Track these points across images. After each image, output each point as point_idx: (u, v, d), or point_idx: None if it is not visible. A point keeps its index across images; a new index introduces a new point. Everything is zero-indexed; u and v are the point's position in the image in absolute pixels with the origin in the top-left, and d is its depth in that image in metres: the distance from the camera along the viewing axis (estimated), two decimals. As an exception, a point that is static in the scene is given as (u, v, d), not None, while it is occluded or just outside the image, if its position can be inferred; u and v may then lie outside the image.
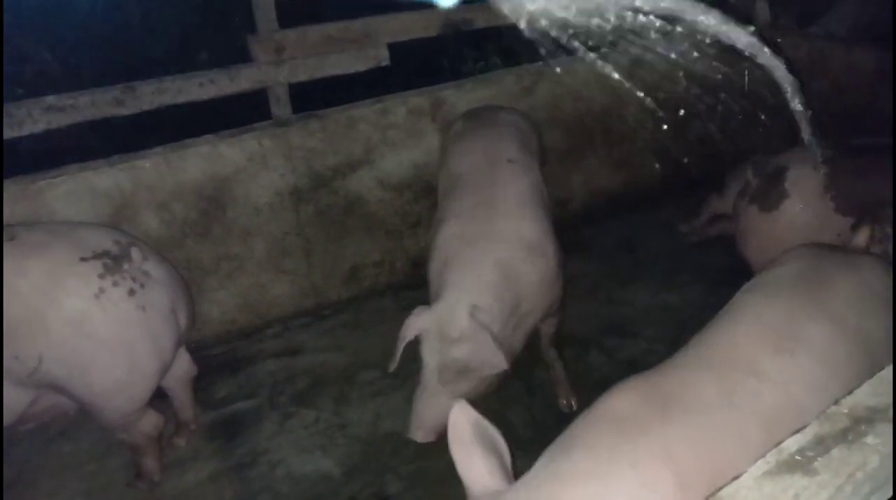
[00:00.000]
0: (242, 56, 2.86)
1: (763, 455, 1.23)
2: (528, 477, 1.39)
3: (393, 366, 2.18)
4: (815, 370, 1.50)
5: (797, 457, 0.97)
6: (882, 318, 1.65)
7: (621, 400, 1.45)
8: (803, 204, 2.53)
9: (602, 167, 3.80)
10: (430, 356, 2.13)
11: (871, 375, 1.22)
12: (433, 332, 2.13)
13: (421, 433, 2.12)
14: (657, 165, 3.95)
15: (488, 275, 2.20)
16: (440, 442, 2.46)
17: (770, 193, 2.60)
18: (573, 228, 3.75)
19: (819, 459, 0.95)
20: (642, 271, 3.37)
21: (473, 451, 1.42)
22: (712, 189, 3.56)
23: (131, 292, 2.06)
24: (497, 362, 2.07)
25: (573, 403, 2.60)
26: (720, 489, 0.93)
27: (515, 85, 3.36)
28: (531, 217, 2.41)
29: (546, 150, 3.17)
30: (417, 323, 2.16)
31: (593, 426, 1.42)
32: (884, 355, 1.58)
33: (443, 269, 2.30)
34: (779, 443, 1.00)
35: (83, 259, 2.03)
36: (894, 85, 3.00)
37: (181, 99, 2.66)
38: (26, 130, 2.52)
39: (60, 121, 2.56)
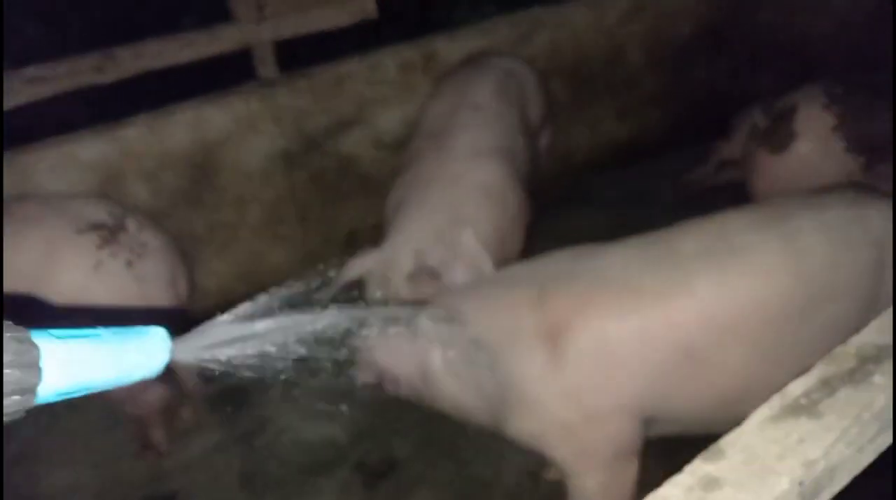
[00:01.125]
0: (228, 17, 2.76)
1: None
2: None
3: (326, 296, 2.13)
4: (726, 266, 1.59)
5: (802, 400, 0.92)
6: (846, 265, 1.62)
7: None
8: (813, 144, 2.46)
9: (606, 117, 3.68)
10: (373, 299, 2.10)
11: (815, 309, 1.49)
12: (376, 275, 2.10)
13: (362, 375, 2.12)
14: (663, 112, 3.84)
15: (437, 218, 2.16)
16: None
17: (779, 134, 2.53)
18: (577, 180, 3.66)
19: (824, 401, 0.90)
20: (650, 222, 3.20)
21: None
22: (720, 135, 3.45)
23: (129, 264, 2.04)
24: None
25: None
26: (722, 437, 0.89)
27: (511, 33, 3.23)
28: (487, 162, 2.34)
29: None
30: (361, 264, 2.13)
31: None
32: (847, 304, 1.60)
33: (393, 212, 2.27)
34: (783, 387, 0.94)
35: (79, 231, 2.01)
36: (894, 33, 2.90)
37: (161, 63, 2.58)
38: (8, 103, 2.45)
39: (42, 92, 2.50)
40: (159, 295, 2.13)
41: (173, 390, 2.42)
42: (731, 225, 1.68)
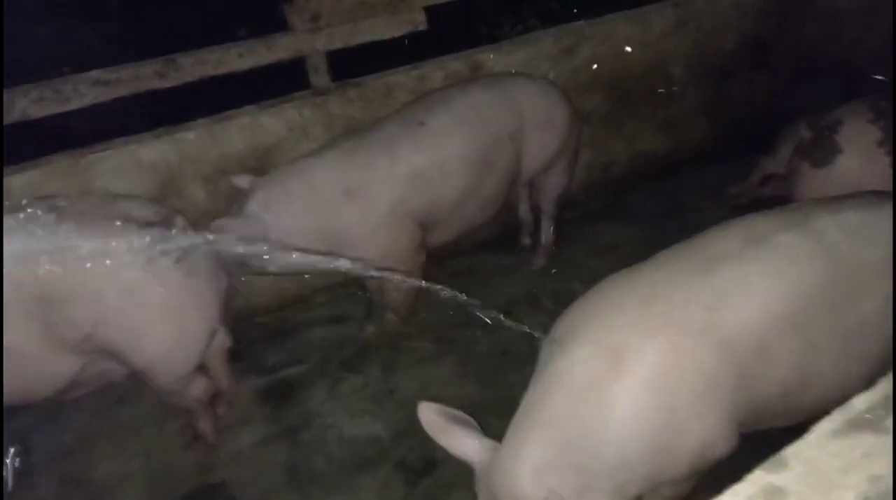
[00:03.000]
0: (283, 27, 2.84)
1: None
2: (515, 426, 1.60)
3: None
4: (771, 262, 1.66)
5: (866, 415, 0.94)
6: (866, 262, 1.70)
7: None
8: (857, 158, 2.46)
9: (645, 129, 3.71)
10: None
11: (846, 303, 1.60)
12: (241, 206, 2.37)
13: None
14: (704, 126, 3.84)
15: (299, 192, 2.38)
16: (489, 410, 2.49)
17: (822, 148, 2.53)
18: (615, 193, 3.69)
19: (890, 417, 0.92)
20: (687, 236, 3.28)
21: (453, 432, 1.64)
22: (763, 149, 3.45)
23: (177, 260, 2.10)
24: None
25: None
26: (784, 447, 0.91)
27: (554, 46, 3.28)
28: (377, 168, 2.45)
29: (580, 116, 3.05)
30: (224, 223, 2.33)
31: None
32: (872, 300, 1.69)
33: None
34: (846, 401, 0.96)
35: (131, 229, 2.06)
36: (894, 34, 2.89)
37: (221, 70, 2.66)
38: (73, 105, 2.55)
39: (106, 95, 2.58)
40: (206, 290, 2.20)
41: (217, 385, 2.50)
42: (760, 226, 1.76)
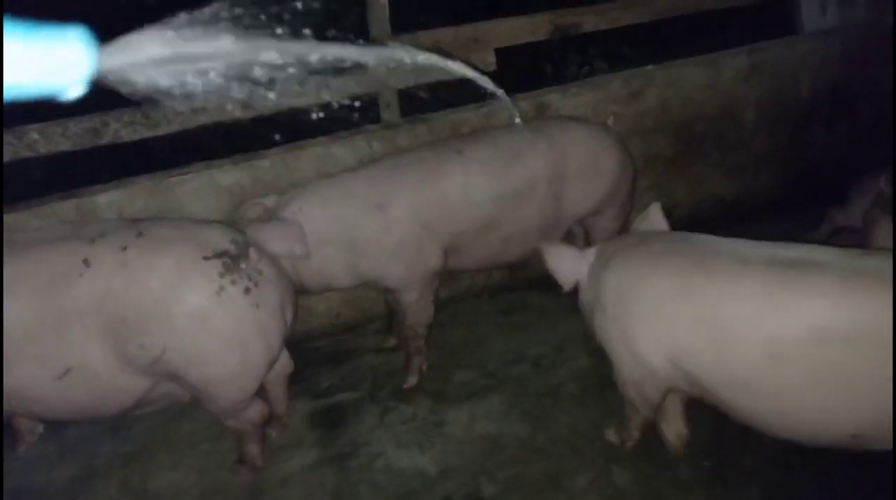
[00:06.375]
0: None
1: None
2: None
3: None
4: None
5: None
6: None
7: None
8: None
9: (712, 174, 3.65)
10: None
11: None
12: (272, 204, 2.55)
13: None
14: (773, 173, 3.76)
15: (334, 201, 2.53)
16: (539, 451, 2.45)
17: (903, 205, 2.43)
18: (678, 237, 3.62)
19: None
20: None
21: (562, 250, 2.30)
22: (834, 201, 3.34)
23: (247, 291, 2.14)
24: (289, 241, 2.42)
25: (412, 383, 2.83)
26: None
27: (622, 89, 3.30)
28: (407, 187, 2.57)
29: (636, 162, 3.01)
30: (266, 202, 2.57)
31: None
32: None
33: None
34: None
35: (205, 258, 2.11)
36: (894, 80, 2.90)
37: (300, 103, 2.78)
38: (162, 130, 2.73)
39: (191, 122, 2.74)
40: (271, 321, 2.23)
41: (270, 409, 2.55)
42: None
